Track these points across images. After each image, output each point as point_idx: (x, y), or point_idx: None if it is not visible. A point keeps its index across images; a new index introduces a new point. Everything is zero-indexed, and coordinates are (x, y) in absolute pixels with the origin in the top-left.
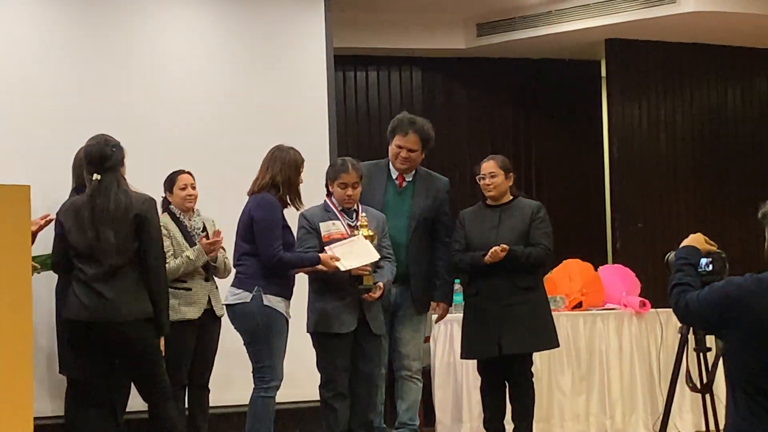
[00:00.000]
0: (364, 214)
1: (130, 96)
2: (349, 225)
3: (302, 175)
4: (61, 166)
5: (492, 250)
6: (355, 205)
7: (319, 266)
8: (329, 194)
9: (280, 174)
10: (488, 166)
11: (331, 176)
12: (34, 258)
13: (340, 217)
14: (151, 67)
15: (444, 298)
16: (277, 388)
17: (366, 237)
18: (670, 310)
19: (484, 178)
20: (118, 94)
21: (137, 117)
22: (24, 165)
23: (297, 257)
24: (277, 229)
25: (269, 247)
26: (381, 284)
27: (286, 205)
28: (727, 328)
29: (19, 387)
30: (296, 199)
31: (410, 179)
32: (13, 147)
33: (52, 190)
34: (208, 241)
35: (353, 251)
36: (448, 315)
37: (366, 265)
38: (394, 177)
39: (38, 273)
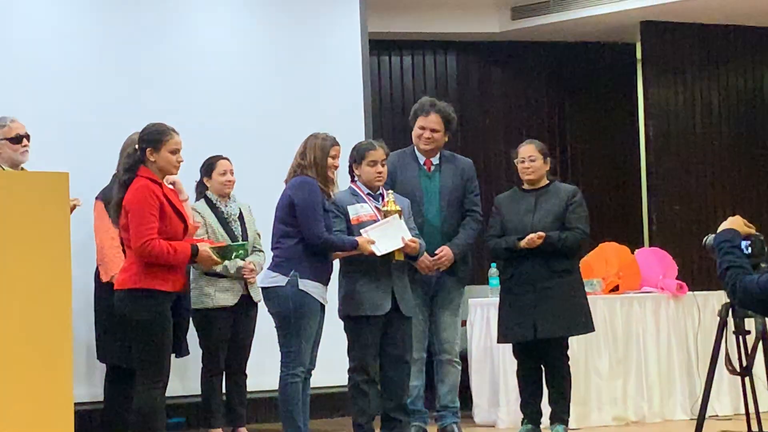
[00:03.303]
0: (390, 191)
1: (166, 82)
2: (376, 207)
3: (337, 160)
4: (100, 153)
5: (528, 237)
6: (381, 189)
7: (356, 250)
8: (353, 180)
9: (308, 158)
10: (528, 150)
11: (358, 157)
12: (227, 248)
13: (367, 200)
14: (187, 53)
15: (452, 246)
16: (304, 373)
17: (393, 212)
18: (707, 292)
19: (523, 162)
20: (155, 80)
21: (172, 103)
22: (64, 151)
23: (339, 239)
24: (318, 210)
25: (314, 228)
26: (418, 242)
27: (326, 194)
28: None
29: (59, 372)
30: (328, 184)
31: (437, 162)
32: (53, 134)
33: (92, 176)
34: (247, 276)
35: (387, 233)
36: (486, 299)
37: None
38: (421, 162)
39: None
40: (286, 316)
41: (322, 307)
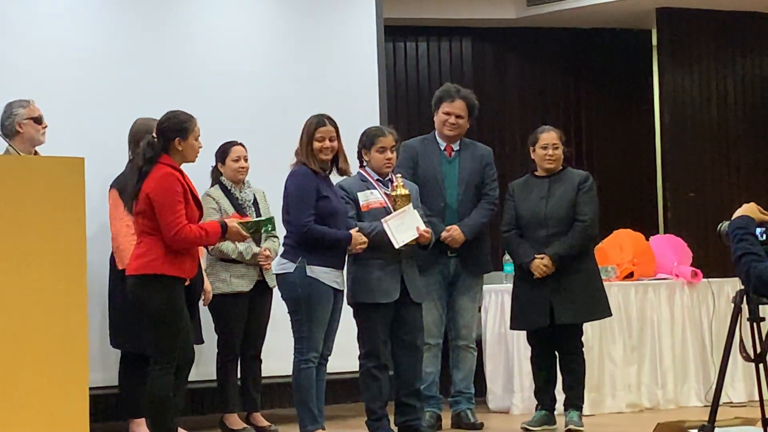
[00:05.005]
0: (399, 175)
1: (181, 68)
2: (386, 194)
3: (327, 141)
4: (115, 140)
5: (539, 270)
6: (390, 174)
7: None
8: (362, 165)
9: (300, 142)
10: (551, 137)
11: (367, 143)
12: (256, 223)
13: (376, 186)
14: (202, 39)
15: (462, 227)
16: (317, 358)
17: (402, 196)
18: (722, 279)
19: (546, 149)
20: (170, 66)
21: (188, 89)
22: (79, 138)
23: (330, 232)
24: (307, 199)
25: (298, 218)
26: (429, 230)
27: (324, 174)
28: None
29: (75, 357)
30: (322, 167)
31: (457, 148)
32: (68, 120)
33: (106, 162)
34: (262, 262)
35: (404, 222)
36: (500, 285)
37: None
38: (442, 148)
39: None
40: (296, 302)
41: (337, 292)
